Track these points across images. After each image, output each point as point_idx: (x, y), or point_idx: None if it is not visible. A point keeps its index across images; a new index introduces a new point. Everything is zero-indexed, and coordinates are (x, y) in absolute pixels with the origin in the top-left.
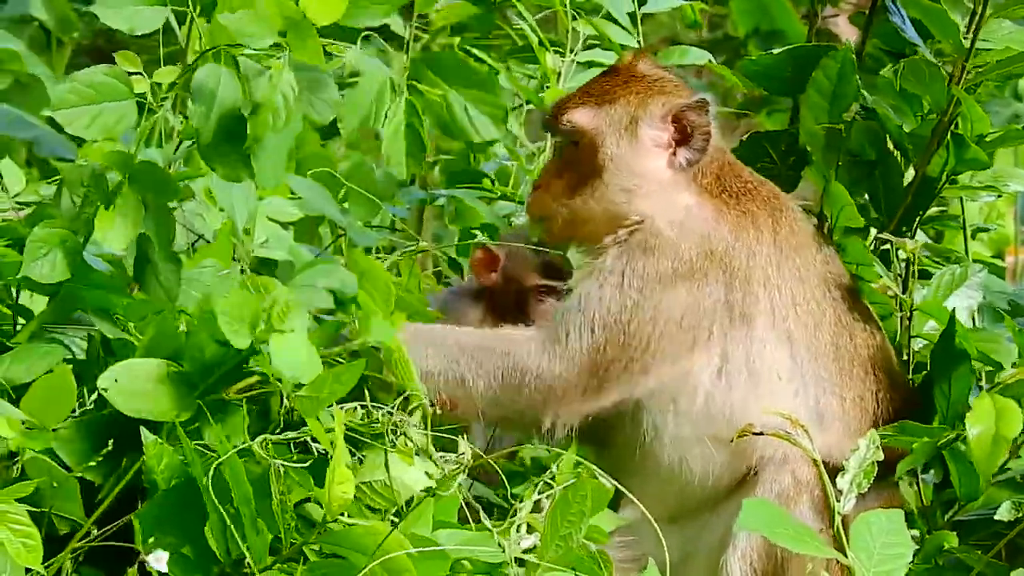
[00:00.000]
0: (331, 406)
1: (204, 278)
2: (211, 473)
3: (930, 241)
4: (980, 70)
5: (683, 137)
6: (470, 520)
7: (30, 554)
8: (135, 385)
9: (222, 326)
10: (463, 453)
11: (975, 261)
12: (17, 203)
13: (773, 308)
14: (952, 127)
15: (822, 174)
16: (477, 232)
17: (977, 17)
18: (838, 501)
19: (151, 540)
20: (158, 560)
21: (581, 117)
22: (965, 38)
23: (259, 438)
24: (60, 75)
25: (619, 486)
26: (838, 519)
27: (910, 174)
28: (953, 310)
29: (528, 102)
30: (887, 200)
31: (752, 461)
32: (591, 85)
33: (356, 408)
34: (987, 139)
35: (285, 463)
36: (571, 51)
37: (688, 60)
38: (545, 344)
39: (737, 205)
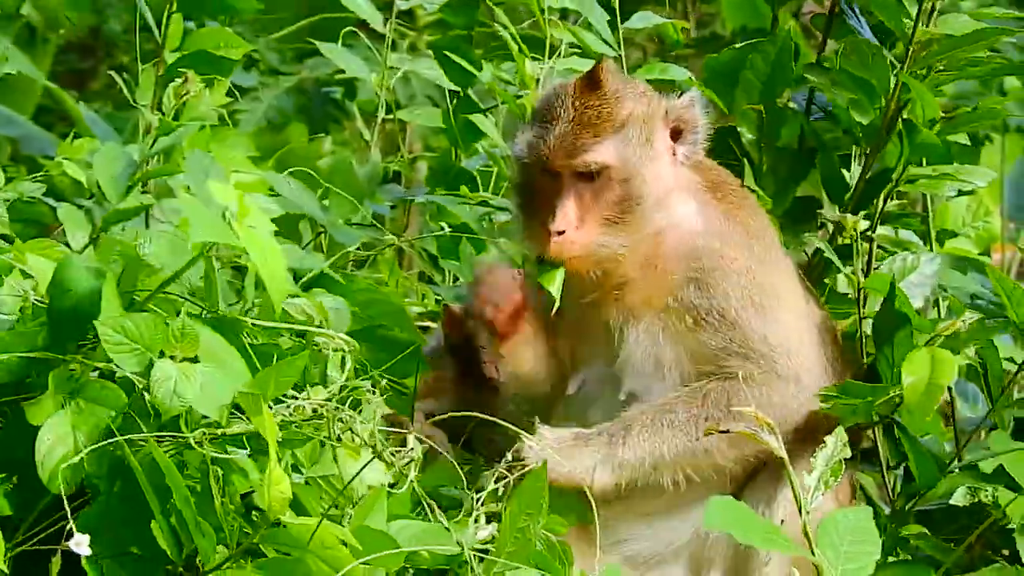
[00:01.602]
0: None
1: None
2: (149, 472)
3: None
4: (926, 53)
5: (675, 136)
6: (427, 511)
7: None
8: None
9: (106, 347)
10: (412, 448)
11: (946, 255)
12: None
13: (790, 288)
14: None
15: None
16: (444, 226)
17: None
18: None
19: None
20: (78, 544)
21: (606, 154)
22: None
23: (196, 432)
24: (45, 72)
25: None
26: (805, 516)
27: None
28: (893, 276)
29: (503, 102)
30: (830, 190)
31: None
32: (582, 114)
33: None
34: (938, 123)
35: (226, 456)
36: (550, 57)
37: (669, 76)
38: (770, 381)
39: (723, 198)
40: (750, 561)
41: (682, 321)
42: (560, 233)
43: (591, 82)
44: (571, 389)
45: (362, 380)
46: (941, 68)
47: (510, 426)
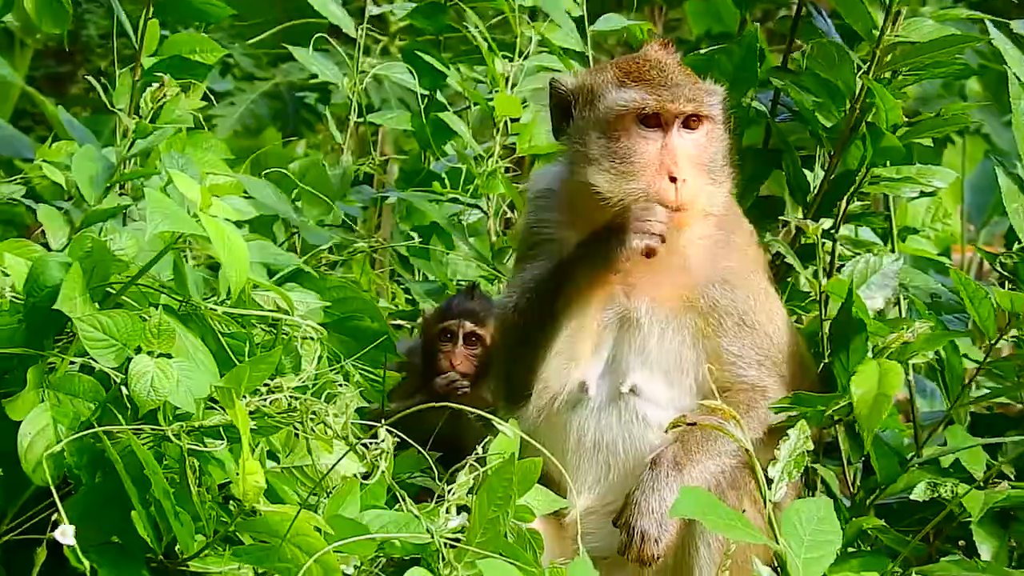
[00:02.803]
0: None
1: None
2: (128, 464)
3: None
4: (893, 56)
5: None
6: (400, 501)
7: None
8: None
9: (85, 342)
10: (383, 440)
11: (904, 254)
12: None
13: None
14: (869, 117)
15: None
16: (413, 235)
17: (889, 4)
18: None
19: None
20: (64, 535)
21: (713, 106)
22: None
23: (174, 426)
24: (23, 75)
25: (557, 463)
26: (769, 506)
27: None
28: (852, 282)
29: (475, 104)
30: (794, 190)
31: None
32: (683, 74)
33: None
34: (902, 127)
35: (202, 448)
36: (521, 55)
37: None
38: (777, 386)
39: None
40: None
41: (706, 322)
42: (684, 181)
43: (665, 51)
44: (592, 391)
45: (334, 370)
46: (907, 71)
47: (491, 417)
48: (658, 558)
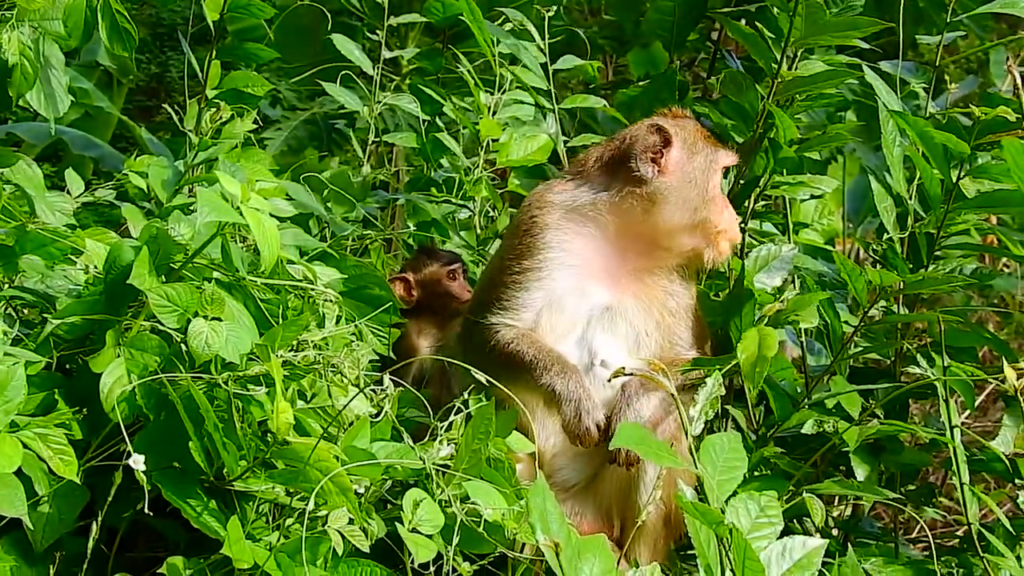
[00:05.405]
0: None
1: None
2: (186, 405)
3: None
4: (789, 86)
5: None
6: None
7: (67, 467)
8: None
9: (154, 308)
10: (387, 387)
11: (803, 245)
12: (81, 204)
13: None
14: (771, 134)
15: None
16: (412, 226)
17: (784, 44)
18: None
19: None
20: (136, 462)
21: None
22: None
23: (223, 375)
24: (120, 108)
25: (525, 411)
26: (690, 439)
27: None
28: (743, 259)
29: (464, 127)
30: None
31: None
32: (706, 132)
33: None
34: (795, 144)
35: (245, 392)
36: (500, 90)
37: (588, 104)
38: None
39: None
40: (637, 485)
41: (669, 314)
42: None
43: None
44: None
45: (350, 329)
46: (800, 100)
47: (479, 373)
48: (639, 459)
